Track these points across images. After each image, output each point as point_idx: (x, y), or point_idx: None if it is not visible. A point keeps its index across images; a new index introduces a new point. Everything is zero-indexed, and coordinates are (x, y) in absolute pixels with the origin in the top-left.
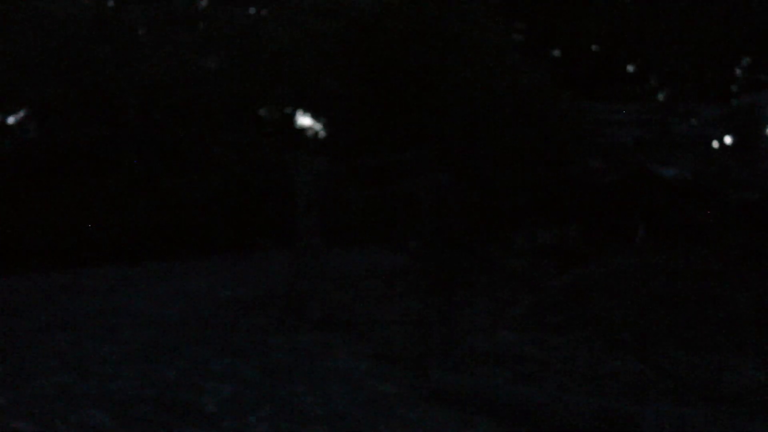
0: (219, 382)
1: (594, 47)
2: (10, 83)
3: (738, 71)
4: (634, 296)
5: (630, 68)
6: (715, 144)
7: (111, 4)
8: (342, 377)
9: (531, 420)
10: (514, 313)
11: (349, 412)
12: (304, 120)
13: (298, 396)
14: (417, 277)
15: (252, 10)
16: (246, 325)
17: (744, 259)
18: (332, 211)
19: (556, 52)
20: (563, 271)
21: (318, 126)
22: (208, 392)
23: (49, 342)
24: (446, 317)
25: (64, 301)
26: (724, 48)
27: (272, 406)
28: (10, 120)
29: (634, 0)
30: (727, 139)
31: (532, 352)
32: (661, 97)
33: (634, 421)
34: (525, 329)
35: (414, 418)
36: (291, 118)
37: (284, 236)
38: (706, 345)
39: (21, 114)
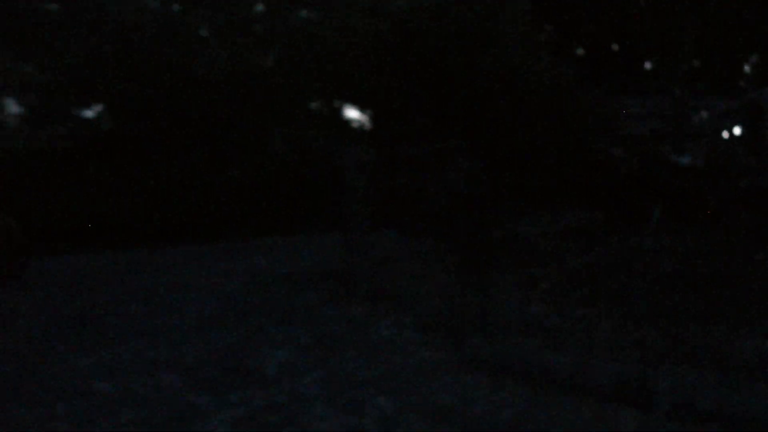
0: (277, 348)
1: (614, 46)
2: (88, 79)
3: (746, 68)
4: (651, 273)
5: (647, 65)
6: (725, 135)
7: (176, 8)
8: (387, 345)
9: (557, 384)
10: (542, 288)
11: (393, 375)
12: (351, 113)
13: (348, 361)
14: (454, 255)
15: (303, 13)
16: (301, 298)
17: (752, 240)
18: (376, 196)
19: (580, 51)
20: (586, 250)
21: (364, 118)
22: (267, 357)
23: (125, 312)
24: (481, 292)
25: (137, 276)
26: (733, 47)
27: (324, 370)
28: (88, 113)
29: (650, 4)
30: (736, 130)
31: (558, 323)
32: (675, 91)
33: (649, 385)
34: (552, 302)
35: (451, 382)
36: (339, 111)
37: (334, 219)
38: (716, 317)
39: (98, 107)
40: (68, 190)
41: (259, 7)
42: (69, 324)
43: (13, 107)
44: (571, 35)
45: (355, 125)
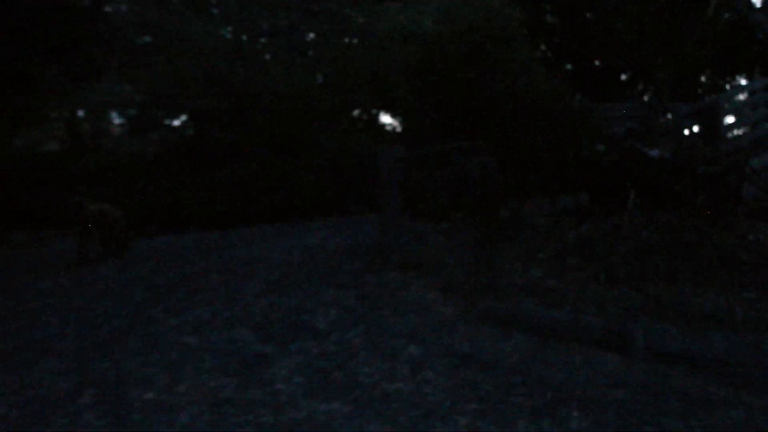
0: (328, 308)
1: (596, 62)
2: (174, 95)
3: (702, 78)
4: (628, 244)
5: (623, 77)
6: (686, 132)
7: (245, 37)
8: (416, 304)
9: (553, 334)
10: (540, 257)
11: (421, 328)
12: (386, 118)
13: (385, 317)
14: (469, 232)
15: (347, 40)
16: (346, 268)
17: (709, 217)
18: (406, 186)
19: (569, 66)
20: (576, 226)
21: (396, 123)
22: (320, 315)
23: (206, 281)
24: (491, 260)
25: (216, 252)
26: (692, 62)
27: (366, 325)
28: (176, 122)
29: (626, 27)
30: (695, 128)
31: (554, 285)
32: (646, 98)
33: (627, 334)
34: (549, 268)
35: (468, 333)
36: (376, 117)
37: (372, 204)
38: (680, 278)
39: (183, 118)
40: (159, 184)
41: (311, 35)
42: (161, 291)
43: (116, 119)
44: (561, 54)
45: (388, 128)
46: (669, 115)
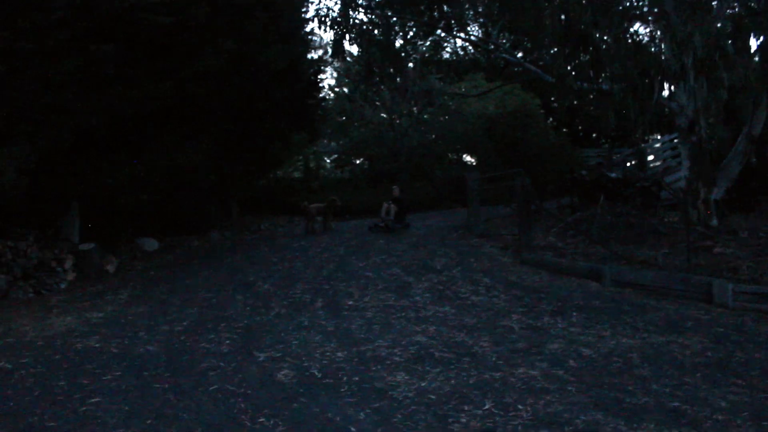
0: (440, 257)
1: (579, 127)
2: (358, 148)
3: (637, 135)
4: (600, 222)
5: (593, 135)
6: (629, 164)
7: (394, 116)
8: (487, 255)
9: (561, 271)
10: (554, 230)
11: (490, 269)
12: (467, 158)
13: (470, 263)
14: (516, 217)
15: (446, 117)
16: (450, 236)
17: (642, 208)
18: (483, 193)
19: (565, 129)
20: (572, 214)
21: (473, 160)
22: (436, 261)
23: (374, 244)
24: (528, 232)
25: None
26: (632, 127)
27: (461, 267)
28: (358, 161)
29: (595, 110)
30: (633, 162)
31: (560, 246)
32: (606, 146)
33: (601, 271)
34: (558, 237)
35: (516, 271)
36: (462, 157)
37: (462, 203)
38: (629, 242)
39: (362, 159)
40: (349, 193)
41: (426, 116)
42: (354, 248)
43: (327, 160)
44: (560, 123)
45: (469, 163)
46: (618, 155)
